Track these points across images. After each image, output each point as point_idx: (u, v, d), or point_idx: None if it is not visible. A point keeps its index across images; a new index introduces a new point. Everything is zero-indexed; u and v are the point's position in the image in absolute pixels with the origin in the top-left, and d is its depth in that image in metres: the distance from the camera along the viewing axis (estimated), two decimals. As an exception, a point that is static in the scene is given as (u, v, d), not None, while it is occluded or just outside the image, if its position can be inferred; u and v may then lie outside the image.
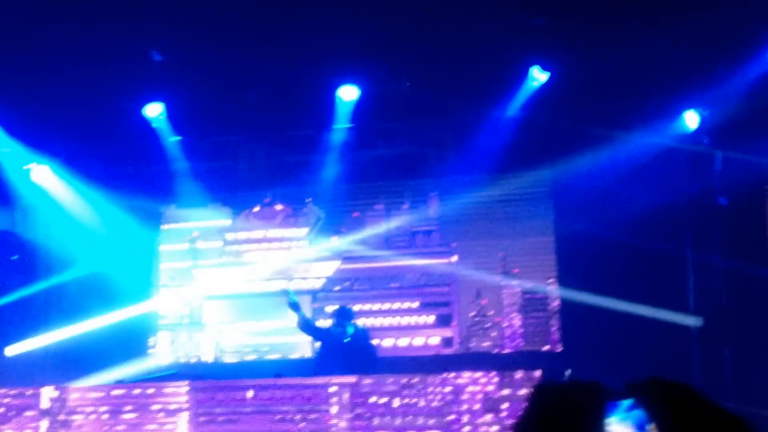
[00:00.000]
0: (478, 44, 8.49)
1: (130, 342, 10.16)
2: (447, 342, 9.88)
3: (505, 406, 7.35)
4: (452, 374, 7.70)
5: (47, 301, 10.40)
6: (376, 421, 7.64)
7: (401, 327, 10.01)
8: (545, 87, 9.05)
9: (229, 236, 10.53)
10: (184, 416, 7.74)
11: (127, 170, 10.24)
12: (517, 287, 9.79)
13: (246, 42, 8.44)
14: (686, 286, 9.14)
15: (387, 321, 10.03)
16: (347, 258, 10.18)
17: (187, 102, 9.43)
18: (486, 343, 9.80)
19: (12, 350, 10.10)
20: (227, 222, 10.53)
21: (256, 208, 10.47)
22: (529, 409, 1.27)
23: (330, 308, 10.11)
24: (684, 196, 9.18)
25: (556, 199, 9.54)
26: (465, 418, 7.60)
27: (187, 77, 9.05)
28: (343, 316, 8.68)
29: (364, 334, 8.82)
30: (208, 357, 10.27)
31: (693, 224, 9.21)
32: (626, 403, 1.29)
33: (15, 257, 10.50)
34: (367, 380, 7.73)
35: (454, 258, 10.00)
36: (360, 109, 9.46)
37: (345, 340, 8.48)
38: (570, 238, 9.33)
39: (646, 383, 1.26)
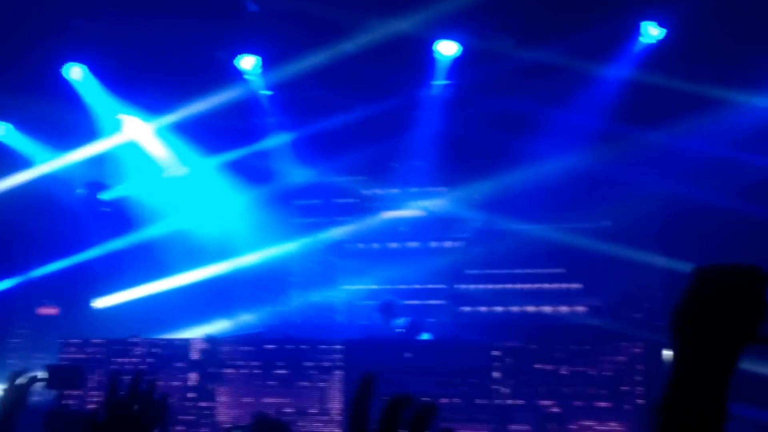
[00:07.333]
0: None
1: (219, 298, 9.82)
2: (595, 311, 9.31)
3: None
4: (626, 342, 7.19)
5: (136, 254, 10.09)
6: (541, 389, 7.18)
7: (545, 292, 9.47)
8: (660, 44, 8.32)
9: (365, 192, 10.11)
10: (338, 374, 7.37)
11: (229, 123, 9.84)
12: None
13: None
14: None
15: (531, 286, 9.50)
16: (489, 219, 9.66)
17: (281, 54, 8.93)
18: (637, 314, 9.21)
19: (100, 303, 9.88)
20: (362, 178, 10.11)
21: (392, 165, 10.02)
22: (692, 290, 1.29)
23: (470, 271, 9.68)
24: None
25: (668, 165, 8.83)
26: (639, 390, 7.09)
27: (281, 29, 8.55)
28: (387, 311, 8.54)
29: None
30: (340, 317, 9.88)
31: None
32: None
33: (107, 209, 10.24)
34: (533, 346, 7.26)
35: (605, 223, 9.41)
36: (460, 64, 8.87)
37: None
38: (681, 206, 8.72)
39: None
